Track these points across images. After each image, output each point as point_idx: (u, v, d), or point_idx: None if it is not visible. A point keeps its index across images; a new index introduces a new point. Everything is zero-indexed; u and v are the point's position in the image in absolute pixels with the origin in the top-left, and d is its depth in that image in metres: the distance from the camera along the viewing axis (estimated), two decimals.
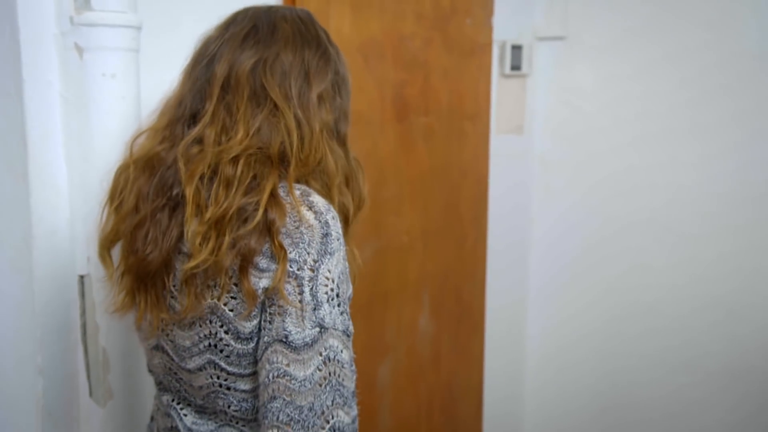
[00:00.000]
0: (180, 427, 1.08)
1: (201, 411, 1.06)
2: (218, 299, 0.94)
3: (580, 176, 2.69)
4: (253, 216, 0.91)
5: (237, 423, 1.04)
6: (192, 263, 0.92)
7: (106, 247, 1.06)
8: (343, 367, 0.94)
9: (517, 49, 2.51)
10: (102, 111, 1.32)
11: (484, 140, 2.43)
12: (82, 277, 1.36)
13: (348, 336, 0.96)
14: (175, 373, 1.06)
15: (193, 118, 1.01)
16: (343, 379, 0.94)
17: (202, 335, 0.98)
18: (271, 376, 0.91)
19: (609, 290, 2.70)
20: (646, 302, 2.61)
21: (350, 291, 1.00)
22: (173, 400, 1.09)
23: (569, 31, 2.61)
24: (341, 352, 0.93)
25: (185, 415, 1.08)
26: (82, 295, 1.37)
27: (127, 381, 1.43)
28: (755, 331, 2.35)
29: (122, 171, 1.06)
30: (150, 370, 1.15)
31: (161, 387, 1.13)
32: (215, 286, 0.94)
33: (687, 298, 2.52)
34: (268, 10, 1.06)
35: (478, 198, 2.43)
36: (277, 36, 1.02)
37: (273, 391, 0.91)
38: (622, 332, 2.69)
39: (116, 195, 1.06)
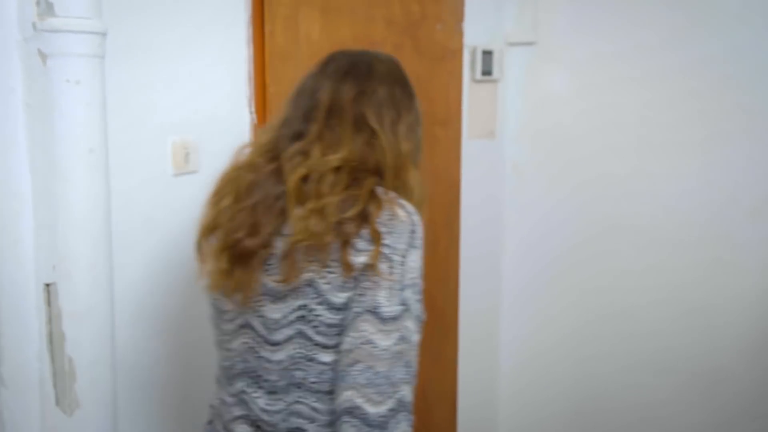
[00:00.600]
0: (254, 410, 1.18)
1: (273, 392, 1.17)
2: (316, 273, 1.09)
3: (552, 181, 2.70)
4: (355, 206, 1.09)
5: (309, 398, 1.14)
6: (296, 238, 1.08)
7: (205, 236, 1.22)
8: (412, 348, 1.11)
9: (487, 54, 2.52)
10: (66, 118, 1.30)
11: (456, 145, 2.44)
12: (47, 285, 1.35)
13: (420, 322, 1.14)
14: (257, 351, 1.17)
15: (297, 136, 1.19)
16: (411, 359, 1.10)
17: (294, 306, 1.11)
18: (356, 343, 1.07)
19: (582, 296, 2.72)
20: (619, 307, 2.63)
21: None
22: (245, 387, 1.20)
23: (539, 36, 2.63)
24: (414, 334, 1.11)
25: (258, 398, 1.18)
26: (48, 303, 1.35)
27: (94, 390, 1.41)
28: (728, 334, 2.38)
29: (225, 175, 1.25)
30: (222, 366, 1.25)
31: (232, 376, 1.22)
32: (315, 261, 1.09)
33: (660, 303, 2.54)
34: (363, 52, 1.28)
35: (450, 203, 2.44)
36: (374, 73, 1.23)
37: (356, 356, 1.06)
38: (595, 337, 2.71)
39: (218, 194, 1.23)
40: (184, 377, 1.66)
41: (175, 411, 1.65)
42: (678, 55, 2.37)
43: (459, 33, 2.39)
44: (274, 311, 1.13)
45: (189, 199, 1.62)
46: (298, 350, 1.13)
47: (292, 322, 1.12)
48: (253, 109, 1.74)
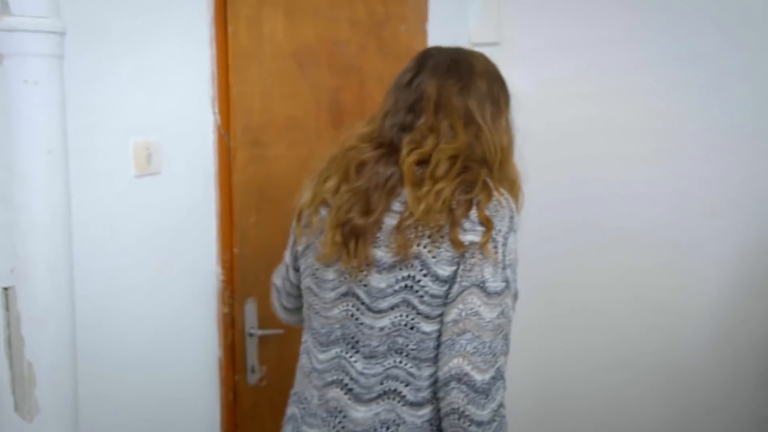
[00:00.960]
0: (351, 373, 1.29)
1: (371, 356, 1.27)
2: (425, 248, 1.21)
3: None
4: (469, 192, 1.22)
5: (407, 364, 1.25)
6: (413, 216, 1.21)
7: (307, 208, 1.36)
8: (509, 323, 1.23)
9: None
10: (25, 119, 1.28)
11: None
12: (6, 289, 1.32)
13: (516, 299, 1.28)
14: (357, 318, 1.28)
15: (404, 127, 1.31)
16: (508, 333, 1.22)
17: (401, 277, 1.23)
18: (464, 314, 1.18)
19: (545, 291, 2.74)
20: (581, 303, 2.65)
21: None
22: (342, 351, 1.30)
23: (503, 36, 2.64)
24: (511, 310, 1.24)
25: (355, 362, 1.28)
26: (6, 307, 1.33)
27: (55, 395, 1.38)
28: (687, 330, 2.42)
29: (330, 157, 1.37)
30: (318, 332, 1.34)
31: (328, 342, 1.32)
32: (425, 237, 1.21)
33: (621, 299, 2.58)
34: (458, 49, 1.39)
35: None
36: (474, 70, 1.33)
37: (464, 325, 1.18)
38: (558, 332, 2.73)
39: (322, 173, 1.36)
40: (147, 382, 1.64)
41: (138, 417, 1.63)
42: (639, 54, 2.40)
43: (423, 34, 2.40)
44: (380, 281, 1.24)
45: (152, 201, 1.61)
46: (401, 318, 1.24)
47: (397, 292, 1.23)
48: (216, 110, 1.73)
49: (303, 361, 1.40)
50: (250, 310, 1.84)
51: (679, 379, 2.45)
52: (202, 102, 1.71)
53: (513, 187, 1.36)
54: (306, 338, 1.40)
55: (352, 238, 1.26)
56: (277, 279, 1.54)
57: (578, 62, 2.52)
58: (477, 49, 2.64)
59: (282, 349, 1.96)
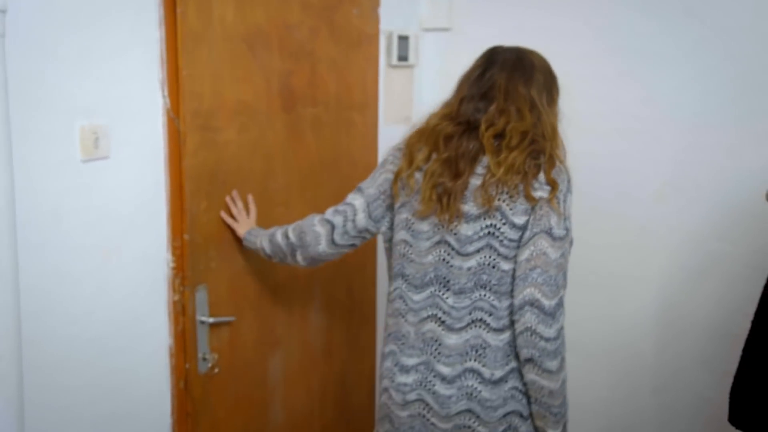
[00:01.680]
0: (444, 308, 1.61)
1: (459, 293, 1.60)
2: (504, 202, 1.55)
3: None
4: (537, 159, 1.56)
5: (490, 297, 1.58)
6: (494, 176, 1.54)
7: (403, 173, 1.67)
8: (567, 263, 1.55)
9: (403, 39, 2.53)
10: None
11: (373, 131, 2.44)
12: None
13: (571, 245, 1.59)
14: (448, 262, 1.61)
15: (478, 110, 1.63)
16: (566, 272, 1.55)
17: (484, 225, 1.57)
18: (534, 254, 1.52)
19: None
20: None
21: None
22: (436, 291, 1.62)
23: (454, 22, 2.65)
24: (568, 254, 1.56)
25: (447, 298, 1.61)
26: None
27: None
28: (633, 313, 2.48)
29: (419, 133, 1.70)
30: (413, 277, 1.65)
31: (423, 284, 1.64)
32: (504, 193, 1.55)
33: (570, 284, 2.62)
34: (519, 48, 1.73)
35: None
36: (535, 67, 1.67)
37: (535, 263, 1.51)
38: None
39: (412, 146, 1.68)
40: (96, 372, 1.61)
41: (87, 407, 1.60)
42: (586, 43, 2.43)
43: (375, 18, 2.39)
44: (468, 230, 1.58)
45: (99, 186, 1.57)
46: (485, 259, 1.57)
47: (481, 238, 1.57)
48: (166, 93, 1.69)
49: (396, 305, 1.70)
50: (201, 298, 1.82)
51: (626, 361, 2.51)
52: (151, 85, 1.67)
53: (564, 159, 1.64)
54: (397, 286, 1.70)
55: (444, 196, 1.59)
56: (334, 218, 1.77)
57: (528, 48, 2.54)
58: (428, 33, 2.67)
59: (233, 337, 1.93)
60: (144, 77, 1.65)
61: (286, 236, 1.81)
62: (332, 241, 1.77)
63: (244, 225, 1.90)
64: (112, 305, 1.63)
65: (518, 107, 1.61)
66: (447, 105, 1.71)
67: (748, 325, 1.72)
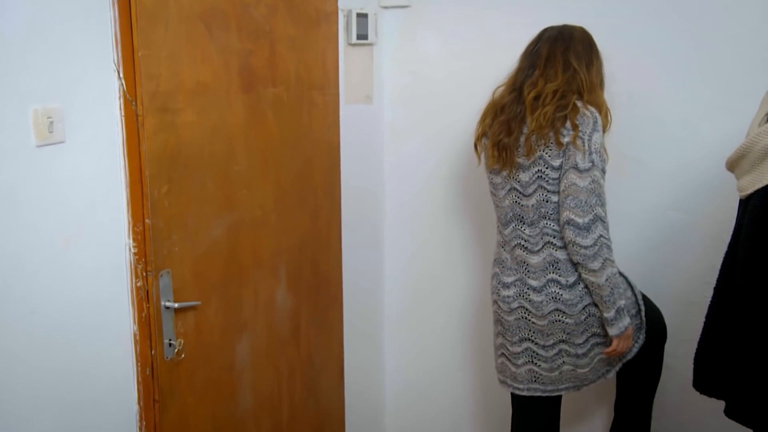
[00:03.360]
0: (523, 237, 2.10)
1: (531, 224, 2.08)
2: (543, 150, 1.99)
3: (428, 143, 2.74)
4: (563, 110, 1.96)
5: (550, 224, 2.04)
6: (531, 131, 1.99)
7: (480, 139, 2.19)
8: (600, 185, 1.94)
9: (362, 17, 2.50)
10: None
11: (335, 110, 2.42)
12: None
13: (604, 172, 1.97)
14: (518, 202, 2.09)
15: (526, 77, 2.07)
16: (601, 192, 1.94)
17: (534, 171, 2.02)
18: (566, 185, 1.96)
19: (460, 255, 2.79)
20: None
21: (607, 158, 2.01)
22: (516, 225, 2.11)
23: (413, 0, 2.64)
24: (600, 178, 1.94)
25: (524, 229, 2.10)
26: None
27: None
28: None
29: (489, 104, 2.17)
30: (499, 218, 2.18)
31: (506, 222, 2.15)
32: (542, 144, 1.99)
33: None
34: (566, 25, 2.12)
35: (330, 168, 2.43)
36: (574, 37, 2.07)
37: (567, 192, 1.95)
38: (473, 294, 2.79)
39: (484, 115, 2.17)
40: (59, 361, 1.58)
41: (50, 397, 1.57)
42: (552, 20, 2.44)
43: None
44: (524, 176, 2.04)
45: (56, 172, 1.53)
46: (541, 196, 2.03)
47: (534, 181, 2.03)
48: (122, 75, 1.65)
49: (497, 238, 2.22)
50: (165, 283, 1.79)
51: None
52: (107, 66, 1.63)
53: (601, 109, 2.02)
54: (497, 224, 2.21)
55: (504, 151, 2.06)
56: None
57: (486, 25, 2.55)
58: (387, 11, 2.66)
59: (199, 321, 1.91)
60: (98, 59, 1.61)
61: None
62: None
63: None
64: (73, 293, 1.60)
65: (555, 70, 2.02)
66: (510, 77, 2.15)
67: (708, 293, 1.75)
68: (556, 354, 2.12)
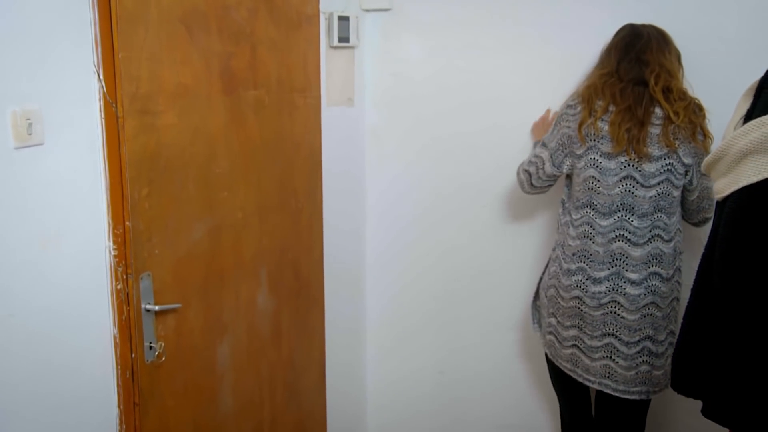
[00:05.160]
0: (629, 229, 2.11)
1: (643, 216, 2.11)
2: (678, 145, 2.08)
3: (409, 146, 2.75)
4: (698, 111, 2.12)
5: (663, 217, 2.11)
6: (671, 123, 2.06)
7: (594, 122, 2.13)
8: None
9: (344, 20, 2.51)
10: None
11: (316, 113, 2.42)
12: None
13: None
14: (633, 192, 2.10)
15: (640, 69, 2.13)
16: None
17: (664, 163, 2.08)
18: (701, 188, 2.14)
19: (443, 257, 2.80)
20: (475, 265, 2.72)
21: None
22: (621, 216, 2.12)
23: (394, 2, 2.65)
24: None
25: (632, 221, 2.11)
26: None
27: None
28: None
29: (587, 88, 2.19)
30: (601, 206, 2.14)
31: (611, 211, 2.13)
32: (678, 138, 2.07)
33: (509, 261, 2.66)
34: (651, 25, 2.21)
35: (311, 171, 2.43)
36: (668, 39, 2.18)
37: (702, 196, 2.16)
38: (455, 294, 2.80)
39: (584, 101, 2.16)
40: (37, 364, 1.57)
41: (28, 401, 1.55)
42: (530, 24, 2.46)
43: None
44: (650, 167, 2.09)
45: (35, 174, 1.52)
46: (663, 189, 2.10)
47: (662, 173, 2.09)
48: (101, 76, 1.64)
49: (582, 229, 2.17)
50: (146, 285, 1.78)
51: None
52: (86, 68, 1.62)
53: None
54: (584, 213, 2.17)
55: (633, 140, 2.07)
56: (529, 167, 2.33)
57: (467, 28, 2.56)
58: (369, 14, 2.67)
59: (180, 324, 1.91)
60: (78, 60, 1.60)
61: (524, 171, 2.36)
62: (531, 185, 2.34)
63: (539, 135, 2.46)
64: (52, 296, 1.59)
65: (668, 69, 2.11)
66: (602, 66, 2.20)
67: (685, 295, 1.77)
68: (638, 352, 2.14)
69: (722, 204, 1.50)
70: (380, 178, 2.81)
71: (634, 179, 2.09)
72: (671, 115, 2.05)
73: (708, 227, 1.78)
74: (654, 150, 2.06)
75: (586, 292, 2.15)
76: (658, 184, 2.08)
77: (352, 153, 2.73)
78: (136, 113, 1.71)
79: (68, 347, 1.64)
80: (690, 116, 2.06)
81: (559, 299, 2.23)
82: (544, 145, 2.27)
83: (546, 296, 2.30)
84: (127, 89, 1.68)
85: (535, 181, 2.31)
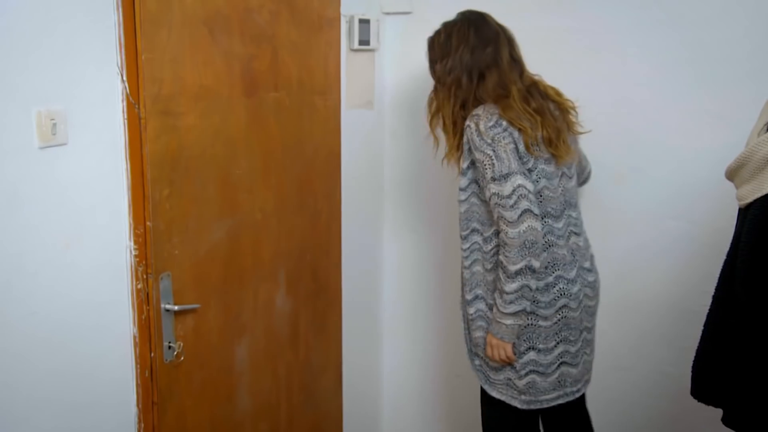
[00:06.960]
0: (573, 223, 2.12)
1: (575, 205, 2.15)
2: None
3: (430, 149, 2.74)
4: None
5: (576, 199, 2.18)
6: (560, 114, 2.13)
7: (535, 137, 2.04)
8: None
9: (364, 23, 2.51)
10: None
11: (336, 115, 2.43)
12: None
13: None
14: (566, 186, 2.09)
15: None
16: None
17: (575, 164, 2.15)
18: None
19: (459, 256, 2.79)
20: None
21: None
22: (567, 213, 2.10)
23: (415, 5, 2.65)
24: None
25: (572, 214, 2.12)
26: None
27: None
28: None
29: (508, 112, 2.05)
30: (547, 208, 2.04)
31: (559, 213, 2.07)
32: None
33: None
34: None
35: (331, 173, 2.43)
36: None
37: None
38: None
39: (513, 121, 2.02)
40: (58, 362, 1.58)
41: (48, 398, 1.57)
42: (548, 24, 2.45)
43: (336, 1, 2.37)
44: (573, 164, 2.16)
45: (58, 174, 1.53)
46: (578, 172, 2.20)
47: (578, 172, 2.22)
48: (125, 78, 1.65)
49: (547, 239, 2.03)
50: (165, 286, 1.79)
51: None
52: (110, 69, 1.63)
53: None
54: (543, 223, 2.02)
55: (558, 138, 2.05)
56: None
57: None
58: (389, 17, 2.66)
59: (198, 324, 1.92)
60: (102, 62, 1.62)
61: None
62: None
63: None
64: (74, 294, 1.61)
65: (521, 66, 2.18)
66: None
67: (705, 302, 1.75)
68: (593, 337, 2.21)
69: (745, 211, 1.48)
70: (399, 180, 2.81)
71: (568, 176, 2.11)
72: (562, 105, 2.15)
73: (726, 238, 1.76)
74: (570, 141, 2.13)
75: (570, 296, 2.07)
76: (574, 170, 2.15)
77: (371, 155, 2.74)
78: (158, 114, 1.72)
79: (89, 345, 1.66)
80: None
81: (537, 325, 2.05)
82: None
83: (511, 338, 2.05)
84: (149, 90, 1.69)
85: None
